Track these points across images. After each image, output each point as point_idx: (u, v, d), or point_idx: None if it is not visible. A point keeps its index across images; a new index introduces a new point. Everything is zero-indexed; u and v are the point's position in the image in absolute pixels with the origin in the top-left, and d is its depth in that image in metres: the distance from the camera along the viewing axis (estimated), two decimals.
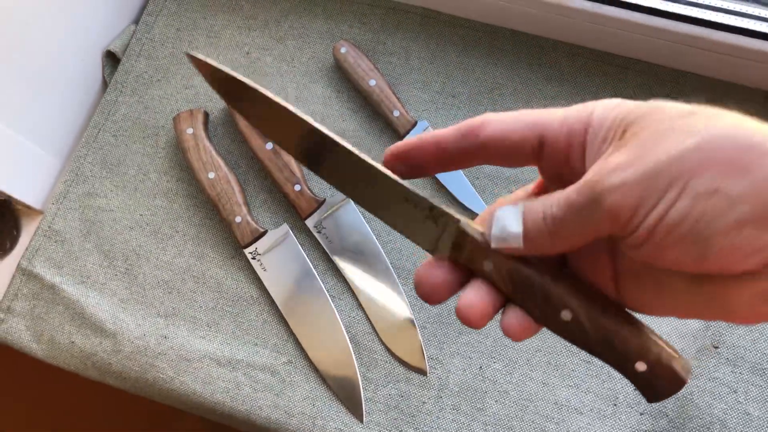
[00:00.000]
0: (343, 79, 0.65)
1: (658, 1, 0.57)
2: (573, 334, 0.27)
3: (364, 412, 0.55)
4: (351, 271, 0.59)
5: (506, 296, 0.28)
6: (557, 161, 0.28)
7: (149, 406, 0.63)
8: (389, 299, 0.58)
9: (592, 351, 0.27)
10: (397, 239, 0.60)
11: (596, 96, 0.61)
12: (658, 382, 0.26)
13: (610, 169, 0.24)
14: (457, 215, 0.28)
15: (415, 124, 0.62)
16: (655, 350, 0.26)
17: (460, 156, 0.29)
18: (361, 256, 0.59)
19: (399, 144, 0.29)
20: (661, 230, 0.23)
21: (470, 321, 0.28)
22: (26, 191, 0.63)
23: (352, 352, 0.57)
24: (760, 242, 0.22)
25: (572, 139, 0.27)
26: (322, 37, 0.67)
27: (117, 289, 0.61)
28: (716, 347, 0.55)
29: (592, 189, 0.24)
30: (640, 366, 0.26)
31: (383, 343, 0.57)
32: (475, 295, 0.28)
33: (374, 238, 0.60)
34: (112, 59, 0.69)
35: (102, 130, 0.66)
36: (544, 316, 0.27)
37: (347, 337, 0.57)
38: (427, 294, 0.29)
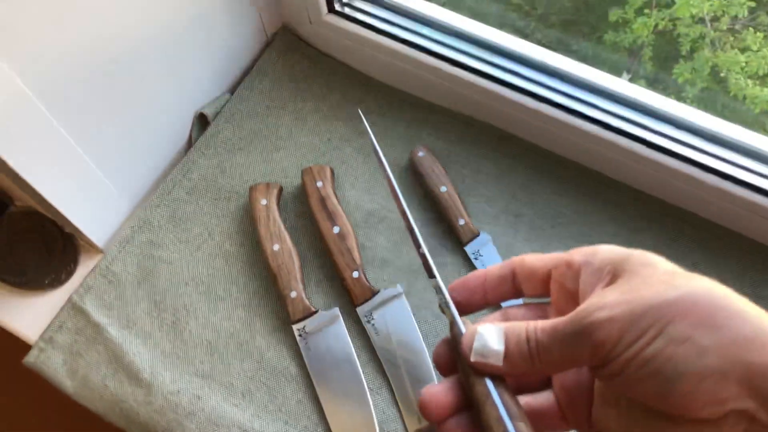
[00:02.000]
0: (414, 179, 0.68)
1: (730, 167, 0.61)
2: None
3: None
4: (392, 366, 0.60)
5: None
6: (560, 293, 0.32)
7: None
8: None
9: None
10: None
11: (653, 241, 0.63)
12: None
13: (600, 305, 0.27)
14: (457, 316, 0.31)
15: (477, 234, 0.64)
16: None
17: (500, 285, 0.33)
18: (405, 354, 0.60)
19: (459, 279, 0.34)
20: (636, 364, 0.26)
21: (427, 410, 0.29)
22: (95, 229, 0.65)
23: None
24: (719, 395, 0.25)
25: (570, 275, 0.31)
26: (401, 139, 0.71)
27: (160, 340, 0.61)
28: None
29: (581, 321, 0.27)
30: None
31: None
32: (441, 389, 0.30)
33: (420, 336, 0.60)
34: (202, 121, 0.73)
35: (177, 186, 0.69)
36: None
37: None
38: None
